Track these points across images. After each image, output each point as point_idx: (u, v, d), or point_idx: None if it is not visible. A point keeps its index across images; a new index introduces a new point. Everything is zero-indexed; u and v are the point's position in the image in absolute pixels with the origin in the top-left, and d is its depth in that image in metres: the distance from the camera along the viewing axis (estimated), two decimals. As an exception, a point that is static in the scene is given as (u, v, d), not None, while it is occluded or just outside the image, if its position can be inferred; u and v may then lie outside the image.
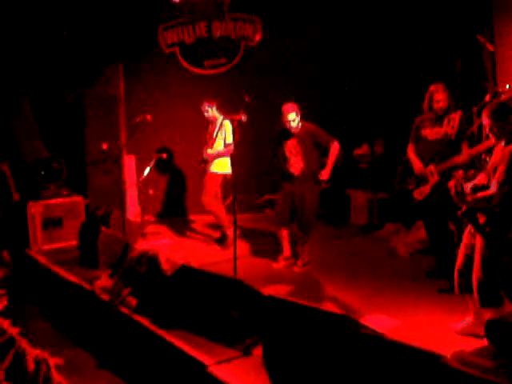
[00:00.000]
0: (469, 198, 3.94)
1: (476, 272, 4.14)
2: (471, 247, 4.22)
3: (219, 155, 7.37)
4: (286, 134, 6.50)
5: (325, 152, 6.51)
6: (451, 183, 4.04)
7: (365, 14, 8.46)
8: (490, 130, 4.14)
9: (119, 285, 5.62)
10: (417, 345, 3.16)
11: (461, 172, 4.43)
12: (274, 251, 7.00)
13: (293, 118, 6.34)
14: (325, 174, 6.35)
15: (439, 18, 7.68)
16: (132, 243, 6.03)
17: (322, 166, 6.46)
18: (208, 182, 7.50)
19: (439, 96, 5.54)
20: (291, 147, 6.47)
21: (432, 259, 5.96)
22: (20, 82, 9.68)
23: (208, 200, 7.46)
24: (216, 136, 7.33)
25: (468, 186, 4.03)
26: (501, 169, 3.92)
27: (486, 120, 4.16)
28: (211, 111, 7.49)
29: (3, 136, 8.64)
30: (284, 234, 6.67)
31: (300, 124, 6.40)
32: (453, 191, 3.99)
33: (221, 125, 7.25)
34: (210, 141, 7.42)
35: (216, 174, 7.47)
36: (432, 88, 5.62)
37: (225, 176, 7.47)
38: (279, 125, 6.52)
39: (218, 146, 7.37)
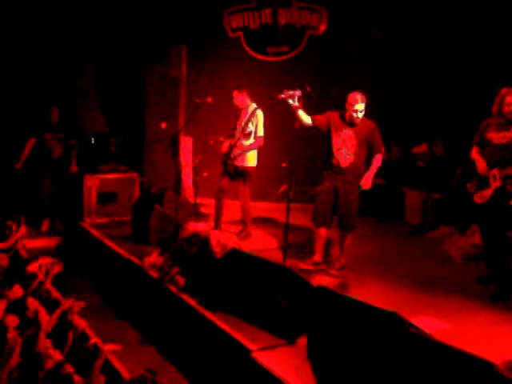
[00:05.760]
0: None
1: None
2: None
3: (249, 149, 6.94)
4: (344, 123, 5.90)
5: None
6: None
7: (430, 15, 8.30)
8: None
9: (169, 263, 5.71)
10: (466, 350, 3.10)
11: None
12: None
13: (361, 109, 5.74)
14: (367, 184, 5.86)
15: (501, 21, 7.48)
16: (184, 223, 6.08)
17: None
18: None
19: (511, 99, 5.34)
20: (346, 138, 5.88)
21: (485, 265, 5.82)
22: (86, 58, 9.92)
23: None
24: (247, 126, 6.87)
25: None
26: None
27: None
28: (241, 98, 6.97)
29: (67, 111, 8.83)
30: (322, 233, 6.04)
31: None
32: None
33: (252, 113, 6.85)
34: (240, 132, 6.95)
35: (250, 168, 7.07)
36: (504, 91, 5.38)
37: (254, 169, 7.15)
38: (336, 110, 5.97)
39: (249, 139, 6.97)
